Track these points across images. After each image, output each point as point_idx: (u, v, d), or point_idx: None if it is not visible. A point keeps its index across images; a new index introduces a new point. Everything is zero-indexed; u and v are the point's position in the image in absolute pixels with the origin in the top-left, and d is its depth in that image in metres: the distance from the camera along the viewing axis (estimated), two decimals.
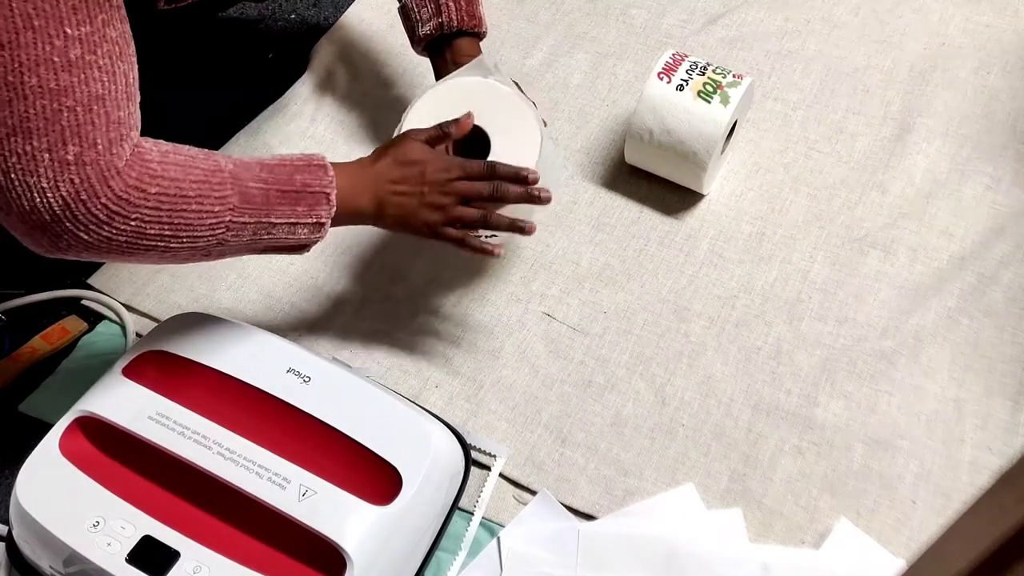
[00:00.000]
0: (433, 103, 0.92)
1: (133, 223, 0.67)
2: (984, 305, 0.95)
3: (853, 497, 0.85)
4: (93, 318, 1.03)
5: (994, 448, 0.87)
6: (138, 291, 1.04)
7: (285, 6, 1.33)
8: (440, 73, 0.98)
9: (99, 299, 1.03)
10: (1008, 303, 0.95)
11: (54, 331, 1.00)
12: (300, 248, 0.80)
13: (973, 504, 0.38)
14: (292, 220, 0.76)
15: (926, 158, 1.06)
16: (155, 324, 0.99)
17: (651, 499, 0.87)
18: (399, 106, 1.18)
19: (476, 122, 0.89)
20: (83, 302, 1.03)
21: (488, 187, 0.83)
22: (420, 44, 0.98)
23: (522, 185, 0.84)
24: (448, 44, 0.96)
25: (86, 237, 0.66)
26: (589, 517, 0.86)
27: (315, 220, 0.77)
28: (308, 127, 1.17)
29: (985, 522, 0.36)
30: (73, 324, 1.01)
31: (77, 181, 0.63)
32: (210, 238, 0.72)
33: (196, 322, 0.84)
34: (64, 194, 0.63)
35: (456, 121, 0.86)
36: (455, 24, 0.95)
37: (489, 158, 0.89)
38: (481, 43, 1.00)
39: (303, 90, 1.20)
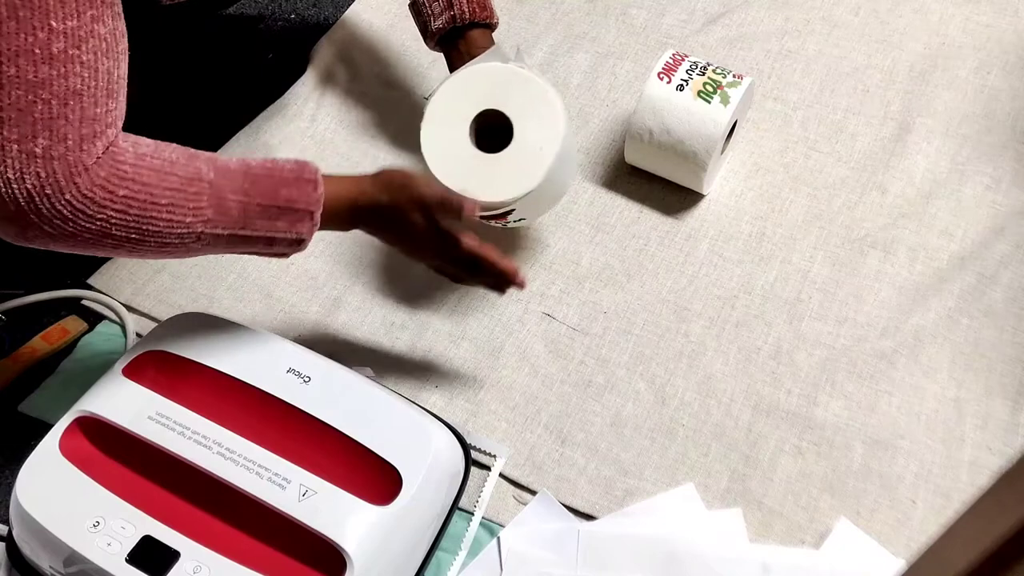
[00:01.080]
0: (456, 91, 0.92)
1: (98, 223, 0.66)
2: (984, 305, 0.95)
3: (853, 497, 0.85)
4: (93, 318, 1.03)
5: (994, 448, 0.87)
6: (138, 291, 1.04)
7: (285, 6, 1.33)
8: (454, 67, 0.99)
9: (99, 299, 1.03)
10: (1008, 303, 0.95)
11: (54, 331, 1.00)
12: (279, 255, 0.79)
13: (973, 504, 0.38)
14: (270, 234, 0.74)
15: (926, 158, 1.06)
16: (155, 324, 0.99)
17: (651, 499, 0.87)
18: (400, 106, 1.18)
19: (499, 107, 0.89)
20: (83, 302, 1.03)
21: (468, 277, 0.86)
22: (433, 39, 0.99)
23: (502, 284, 0.86)
24: (461, 37, 0.97)
25: (50, 230, 0.65)
26: (589, 517, 0.86)
27: (295, 236, 0.76)
28: (308, 127, 1.17)
29: (985, 522, 0.36)
30: (73, 324, 1.01)
31: (43, 175, 0.63)
32: (179, 244, 0.71)
33: (196, 322, 0.84)
34: (29, 187, 0.63)
35: (469, 204, 0.82)
36: (467, 16, 0.95)
37: (511, 145, 0.89)
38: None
39: (303, 90, 1.20)
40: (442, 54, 1.01)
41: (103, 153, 0.66)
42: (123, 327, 1.01)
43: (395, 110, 1.18)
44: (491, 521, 0.87)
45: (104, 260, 1.06)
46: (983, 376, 0.91)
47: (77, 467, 0.75)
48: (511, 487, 0.89)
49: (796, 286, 0.99)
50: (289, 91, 1.20)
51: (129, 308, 1.02)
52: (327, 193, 0.77)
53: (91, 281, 1.05)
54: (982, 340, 0.93)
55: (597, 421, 0.92)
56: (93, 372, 0.83)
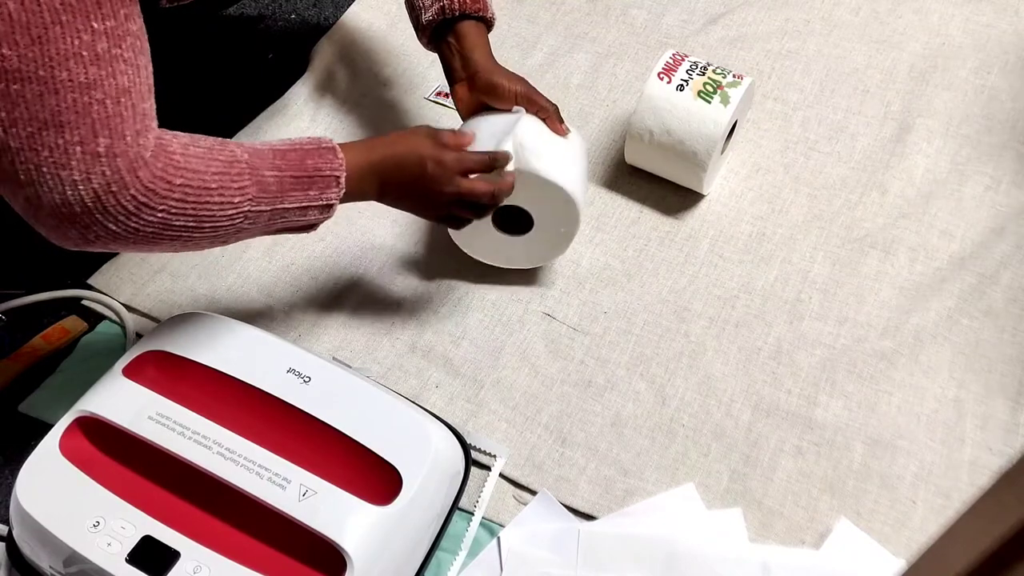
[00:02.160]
0: None
1: (160, 214, 0.68)
2: (984, 305, 0.95)
3: (853, 497, 0.85)
4: (93, 318, 1.03)
5: (994, 448, 0.87)
6: (138, 291, 1.03)
7: (285, 6, 1.33)
8: (448, 66, 0.95)
9: (99, 299, 1.03)
10: (1008, 303, 0.95)
11: (54, 331, 1.00)
12: (309, 228, 0.81)
13: (973, 504, 0.38)
14: (304, 204, 0.77)
15: (926, 158, 1.06)
16: (155, 324, 0.99)
17: (651, 499, 0.87)
18: (399, 106, 1.18)
19: (515, 203, 0.93)
20: (83, 302, 1.03)
21: (479, 212, 0.87)
22: (425, 33, 0.96)
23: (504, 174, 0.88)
24: (452, 30, 0.93)
25: (115, 228, 0.66)
26: (589, 517, 0.86)
27: (325, 202, 0.79)
28: (308, 127, 1.17)
29: (985, 522, 0.36)
30: (73, 324, 1.01)
31: (108, 173, 0.64)
32: (229, 227, 0.73)
33: (196, 322, 0.84)
34: (96, 186, 0.64)
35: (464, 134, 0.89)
36: (457, 8, 0.92)
37: (534, 231, 0.96)
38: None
39: (303, 90, 1.20)
40: (437, 55, 0.98)
41: (154, 146, 0.68)
42: (123, 327, 1.01)
43: (395, 110, 1.18)
44: (491, 521, 0.87)
45: (104, 260, 1.06)
46: (983, 376, 0.91)
47: (77, 467, 0.75)
48: (511, 487, 0.89)
49: (796, 286, 0.99)
50: (289, 91, 1.20)
51: (129, 308, 1.02)
52: (347, 157, 0.80)
53: (91, 281, 1.05)
54: (982, 340, 0.93)
55: (597, 421, 0.92)
56: (93, 372, 0.83)
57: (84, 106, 0.63)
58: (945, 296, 0.96)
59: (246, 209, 0.73)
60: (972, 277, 0.97)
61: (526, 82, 0.93)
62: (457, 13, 0.93)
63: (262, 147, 0.76)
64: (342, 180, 0.79)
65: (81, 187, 0.64)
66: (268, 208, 0.75)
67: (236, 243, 0.78)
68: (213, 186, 0.70)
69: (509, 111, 0.93)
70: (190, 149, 0.70)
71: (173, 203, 0.68)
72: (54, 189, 0.63)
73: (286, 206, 0.76)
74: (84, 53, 0.62)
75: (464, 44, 0.93)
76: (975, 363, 0.92)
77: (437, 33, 0.95)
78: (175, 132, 0.72)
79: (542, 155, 0.90)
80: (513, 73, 0.94)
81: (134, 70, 0.66)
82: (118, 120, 0.64)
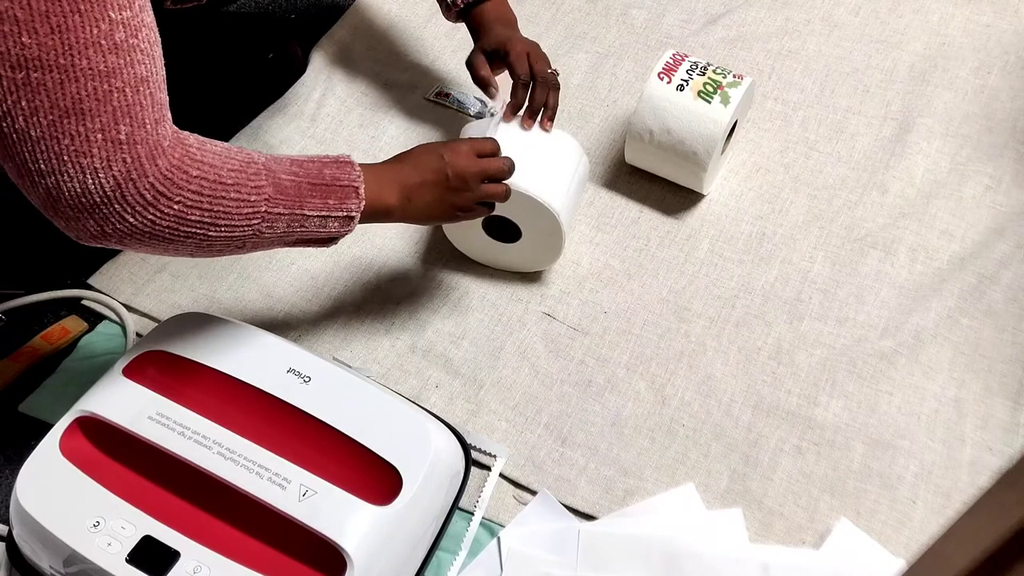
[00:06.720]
0: None
1: (176, 206, 0.68)
2: (984, 305, 0.95)
3: (853, 497, 0.85)
4: (93, 318, 1.03)
5: (994, 448, 0.87)
6: (138, 291, 1.03)
7: (285, 6, 1.33)
8: (473, 36, 1.01)
9: (99, 299, 1.03)
10: (1008, 303, 0.95)
11: (54, 331, 1.00)
12: (329, 241, 0.81)
13: (973, 504, 0.38)
14: (324, 213, 0.77)
15: (926, 158, 1.06)
16: (155, 324, 0.99)
17: (651, 499, 0.87)
18: (399, 106, 1.18)
19: (500, 214, 0.93)
20: (83, 302, 1.03)
21: (506, 161, 0.88)
22: (451, 12, 1.03)
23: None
24: (475, 9, 1.00)
25: (132, 220, 0.66)
26: (589, 517, 0.86)
27: (345, 213, 0.79)
28: (308, 127, 1.17)
29: (985, 522, 0.36)
30: (73, 324, 1.01)
31: (129, 160, 0.65)
32: (246, 228, 0.73)
33: (196, 322, 0.84)
34: (116, 173, 0.64)
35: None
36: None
37: (522, 239, 0.97)
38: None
39: (303, 90, 1.20)
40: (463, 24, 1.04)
41: (172, 136, 0.68)
42: (123, 327, 1.01)
43: (395, 110, 1.18)
44: (491, 521, 0.87)
45: (104, 260, 1.06)
46: (983, 376, 0.91)
47: (77, 467, 0.74)
48: (511, 487, 0.89)
49: (796, 286, 0.99)
50: (289, 91, 1.20)
51: (129, 308, 1.02)
52: (363, 171, 0.80)
53: (91, 281, 1.05)
54: (982, 340, 0.93)
55: (597, 421, 0.92)
56: (93, 372, 0.83)
57: (104, 94, 0.63)
58: (945, 296, 0.96)
59: (263, 210, 0.73)
60: (972, 277, 0.97)
61: (537, 46, 0.98)
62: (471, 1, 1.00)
63: (279, 156, 0.77)
64: (361, 191, 0.79)
65: (101, 174, 0.64)
66: (286, 212, 0.74)
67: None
68: (229, 182, 0.70)
69: (490, 116, 0.96)
70: (207, 145, 0.71)
71: (189, 194, 0.68)
72: (75, 178, 0.63)
73: (305, 212, 0.76)
74: (103, 42, 0.62)
75: (484, 23, 1.00)
76: (975, 363, 0.92)
77: (462, 12, 1.02)
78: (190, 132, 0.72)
79: (522, 168, 0.91)
80: (526, 38, 0.99)
81: (150, 60, 0.66)
82: (138, 108, 0.65)
